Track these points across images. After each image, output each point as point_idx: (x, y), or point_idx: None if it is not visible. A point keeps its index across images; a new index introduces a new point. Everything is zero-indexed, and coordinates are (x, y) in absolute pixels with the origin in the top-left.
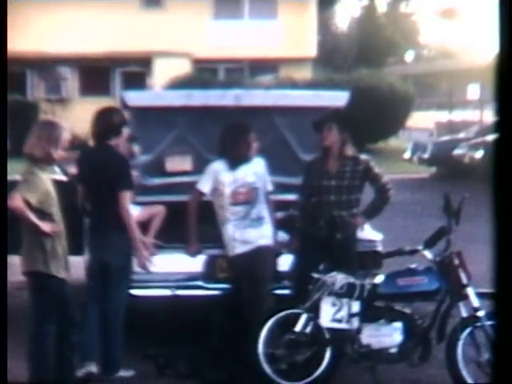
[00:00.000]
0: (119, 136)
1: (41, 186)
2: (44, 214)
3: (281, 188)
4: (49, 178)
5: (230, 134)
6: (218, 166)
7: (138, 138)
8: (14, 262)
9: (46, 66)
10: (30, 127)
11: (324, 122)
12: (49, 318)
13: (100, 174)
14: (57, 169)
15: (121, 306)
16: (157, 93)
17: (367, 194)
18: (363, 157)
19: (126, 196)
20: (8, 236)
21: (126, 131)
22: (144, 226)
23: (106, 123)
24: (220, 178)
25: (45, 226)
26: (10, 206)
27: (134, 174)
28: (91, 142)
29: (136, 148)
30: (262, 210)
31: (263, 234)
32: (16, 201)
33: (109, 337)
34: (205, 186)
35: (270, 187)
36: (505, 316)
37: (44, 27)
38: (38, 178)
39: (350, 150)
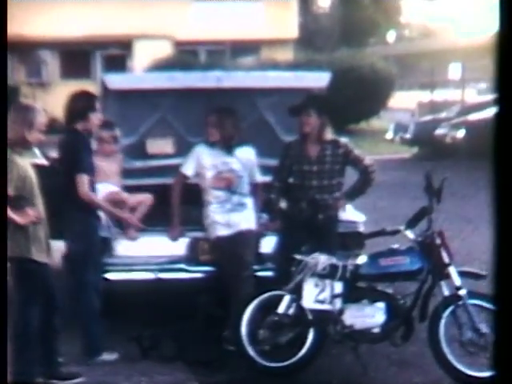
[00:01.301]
0: (85, 120)
1: (17, 173)
2: (23, 200)
3: (262, 169)
4: (27, 163)
5: (213, 118)
6: (201, 150)
7: (114, 123)
8: None
9: (26, 49)
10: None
11: (302, 108)
12: (32, 302)
13: (62, 158)
14: (37, 152)
15: (88, 291)
16: (137, 75)
17: (352, 177)
18: (342, 140)
19: (82, 179)
20: None
21: (96, 116)
22: (130, 211)
23: (71, 107)
24: (202, 162)
25: (22, 219)
26: None
27: (120, 157)
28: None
29: (118, 132)
30: (244, 198)
31: (245, 218)
32: None
33: (84, 321)
34: (188, 168)
35: (258, 178)
36: (505, 301)
37: (23, 10)
38: (13, 164)
39: (329, 134)
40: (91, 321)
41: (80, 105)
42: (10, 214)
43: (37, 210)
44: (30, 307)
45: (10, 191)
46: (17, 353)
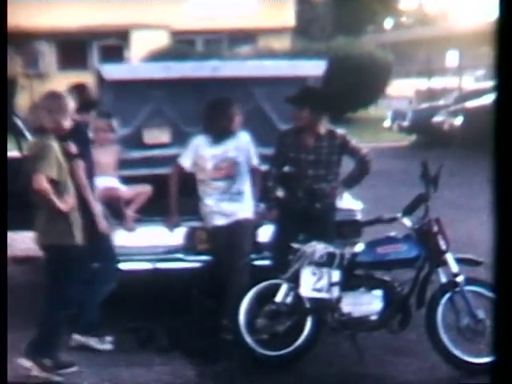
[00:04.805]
0: (87, 112)
1: (57, 158)
2: (62, 186)
3: (260, 159)
4: (59, 149)
5: (212, 109)
6: (200, 141)
7: (112, 113)
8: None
9: (23, 40)
10: (9, 102)
11: (295, 101)
12: (75, 284)
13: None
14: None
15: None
16: (133, 66)
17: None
18: (339, 131)
19: (79, 168)
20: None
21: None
22: (128, 202)
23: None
24: (201, 153)
25: (64, 205)
26: (34, 187)
27: (117, 148)
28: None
29: (115, 123)
30: (244, 184)
31: (243, 208)
32: (41, 182)
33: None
34: (185, 160)
35: (255, 161)
36: (504, 288)
37: (20, 1)
38: (53, 150)
39: (323, 128)
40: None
41: (86, 97)
42: (55, 200)
43: (72, 196)
44: (72, 290)
45: (53, 176)
46: (50, 337)
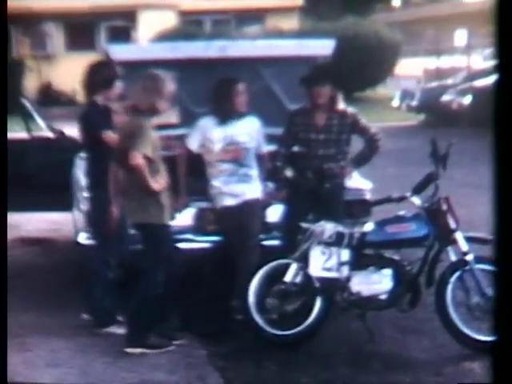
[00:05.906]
0: (109, 89)
1: (151, 137)
2: (155, 165)
3: (268, 139)
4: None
5: (219, 89)
6: (207, 123)
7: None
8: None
9: (31, 22)
10: (16, 84)
11: (315, 79)
12: (162, 263)
13: (83, 130)
14: (44, 126)
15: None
16: (141, 46)
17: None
18: (350, 110)
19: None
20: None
21: (117, 86)
22: None
23: (95, 76)
24: (208, 135)
25: (157, 185)
26: (131, 163)
27: None
28: (79, 98)
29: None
30: (251, 169)
31: (251, 188)
32: (137, 159)
33: (96, 292)
34: (193, 142)
35: (264, 148)
36: (505, 263)
37: None
38: (148, 129)
39: (340, 104)
40: (102, 292)
41: (106, 73)
42: (149, 178)
43: (164, 175)
44: (160, 268)
45: (148, 153)
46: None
